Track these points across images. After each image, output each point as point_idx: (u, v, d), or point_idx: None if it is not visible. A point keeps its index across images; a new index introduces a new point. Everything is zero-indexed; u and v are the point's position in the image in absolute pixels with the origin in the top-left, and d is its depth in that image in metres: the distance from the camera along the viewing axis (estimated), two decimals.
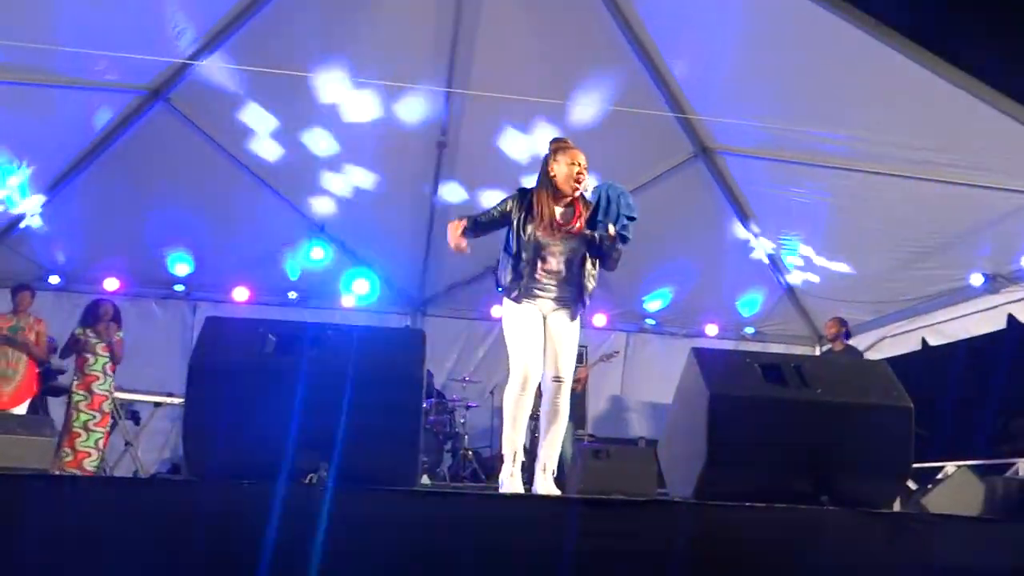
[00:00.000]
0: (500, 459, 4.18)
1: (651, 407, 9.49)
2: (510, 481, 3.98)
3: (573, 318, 4.11)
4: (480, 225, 4.15)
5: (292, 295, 9.15)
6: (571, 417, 7.87)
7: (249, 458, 2.81)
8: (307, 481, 2.77)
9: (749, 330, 9.69)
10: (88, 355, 6.71)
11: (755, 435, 3.12)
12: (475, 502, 2.99)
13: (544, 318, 4.07)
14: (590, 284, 4.10)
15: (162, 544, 2.54)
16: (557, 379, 4.08)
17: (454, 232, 4.09)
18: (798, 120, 6.57)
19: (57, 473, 5.71)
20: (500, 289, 4.12)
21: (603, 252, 4.06)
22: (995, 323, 7.15)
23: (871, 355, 8.35)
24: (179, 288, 8.93)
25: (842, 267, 8.21)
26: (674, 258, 8.89)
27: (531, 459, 5.93)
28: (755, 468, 3.10)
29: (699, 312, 9.56)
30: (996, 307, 7.12)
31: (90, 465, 6.49)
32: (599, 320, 9.54)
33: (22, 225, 8.02)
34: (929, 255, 7.21)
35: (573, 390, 7.96)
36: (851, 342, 7.86)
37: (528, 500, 3.62)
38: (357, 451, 2.87)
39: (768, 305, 9.40)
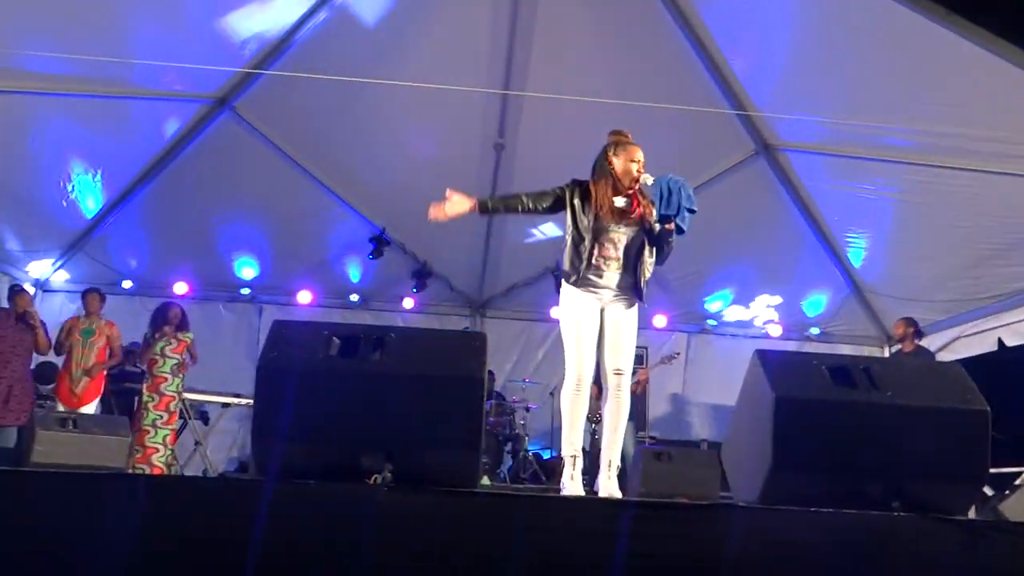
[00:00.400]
0: (561, 462, 4.16)
1: (713, 409, 9.36)
2: (571, 484, 3.98)
3: (631, 307, 4.08)
4: (524, 204, 4.12)
5: (354, 297, 9.33)
6: (632, 418, 7.84)
7: (315, 458, 2.87)
8: (371, 482, 2.80)
9: (814, 331, 9.49)
10: (157, 357, 6.92)
11: (823, 438, 3.05)
12: (536, 504, 2.99)
13: (602, 310, 4.04)
14: (647, 273, 4.09)
15: (231, 540, 2.61)
16: (618, 372, 4.03)
17: (459, 203, 4.13)
18: (864, 114, 6.40)
19: (131, 472, 5.90)
20: (557, 273, 4.13)
21: (660, 242, 4.06)
22: None
23: (944, 356, 8.07)
24: (245, 291, 9.18)
25: (912, 265, 7.96)
26: (736, 257, 8.75)
27: (592, 459, 5.89)
28: (823, 472, 3.03)
29: (761, 312, 9.39)
30: None
31: (158, 460, 6.72)
32: (660, 321, 9.45)
33: (97, 232, 8.34)
34: (1005, 251, 6.92)
35: (633, 392, 7.89)
36: (923, 342, 7.60)
37: (589, 503, 3.61)
38: (420, 452, 2.91)
39: (834, 305, 9.18)
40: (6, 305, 6.83)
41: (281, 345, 3.01)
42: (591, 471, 4.40)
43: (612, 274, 4.03)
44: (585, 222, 3.99)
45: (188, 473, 7.54)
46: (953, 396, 3.18)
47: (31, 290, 8.27)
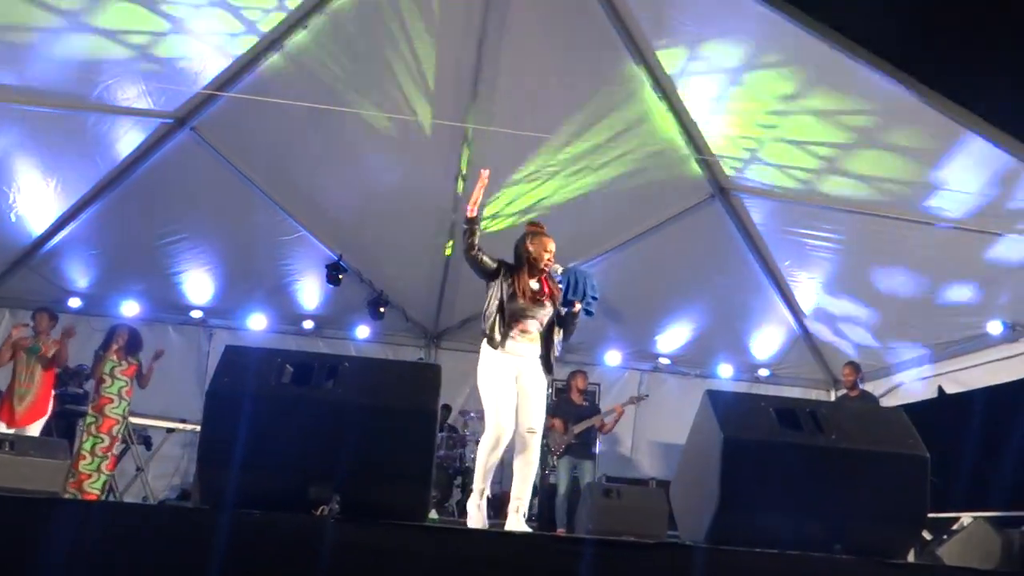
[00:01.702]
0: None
1: (663, 447, 9.40)
2: (477, 513, 4.35)
3: (542, 375, 4.54)
4: (481, 252, 4.52)
5: (307, 324, 9.22)
6: (587, 455, 7.98)
7: (262, 486, 2.82)
8: (318, 513, 2.77)
9: (764, 372, 9.64)
10: (106, 377, 6.75)
11: (768, 480, 3.10)
12: (486, 540, 2.98)
13: (517, 377, 4.43)
14: (556, 350, 4.62)
15: (171, 571, 2.54)
16: (531, 431, 4.42)
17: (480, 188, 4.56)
18: (816, 163, 6.60)
19: (67, 496, 5.72)
20: (483, 333, 4.50)
21: (566, 324, 4.65)
22: (1014, 372, 7.03)
23: (886, 401, 8.26)
24: (196, 315, 9.00)
25: (858, 311, 8.17)
26: (689, 298, 8.88)
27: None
28: (768, 513, 3.08)
29: (713, 353, 9.53)
30: (1016, 356, 7.02)
31: (90, 487, 6.50)
32: (613, 358, 9.51)
33: (45, 248, 8.13)
34: (947, 302, 7.16)
35: (601, 429, 8.17)
36: (867, 387, 7.78)
37: (540, 539, 3.61)
38: (369, 484, 2.88)
39: (783, 347, 9.36)
40: None
41: (233, 370, 2.97)
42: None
43: (529, 346, 4.49)
44: (505, 300, 4.45)
45: (128, 500, 7.32)
46: (895, 441, 3.26)
47: None
